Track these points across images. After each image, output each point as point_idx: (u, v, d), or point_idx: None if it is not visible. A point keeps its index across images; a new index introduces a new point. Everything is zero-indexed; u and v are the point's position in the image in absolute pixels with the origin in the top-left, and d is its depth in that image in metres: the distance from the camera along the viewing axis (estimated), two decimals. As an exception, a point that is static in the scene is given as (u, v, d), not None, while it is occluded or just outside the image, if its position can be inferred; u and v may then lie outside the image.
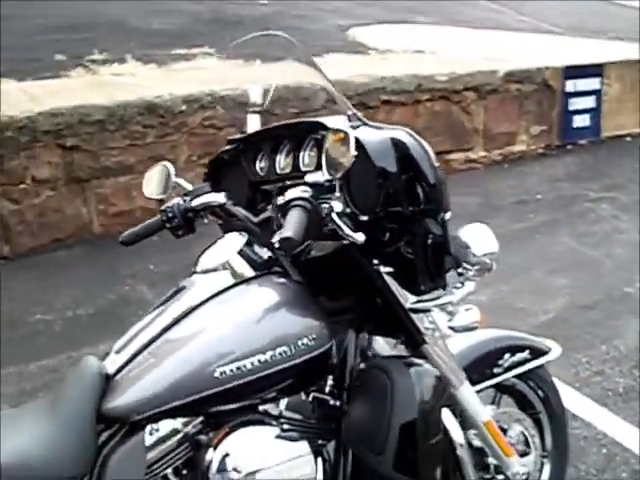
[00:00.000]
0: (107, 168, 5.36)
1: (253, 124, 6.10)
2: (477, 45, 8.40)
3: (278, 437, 1.89)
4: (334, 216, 1.80)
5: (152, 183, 2.28)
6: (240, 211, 2.14)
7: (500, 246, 1.84)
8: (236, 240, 2.03)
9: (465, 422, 2.23)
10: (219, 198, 2.19)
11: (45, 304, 4.48)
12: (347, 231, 1.79)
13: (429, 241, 1.87)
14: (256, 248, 2.03)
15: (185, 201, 2.21)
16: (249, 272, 1.99)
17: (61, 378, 1.92)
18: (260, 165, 2.22)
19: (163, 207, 2.23)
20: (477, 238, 2.08)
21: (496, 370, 2.37)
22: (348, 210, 1.87)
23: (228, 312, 1.88)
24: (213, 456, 1.83)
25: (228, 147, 2.31)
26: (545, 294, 4.37)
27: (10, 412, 1.90)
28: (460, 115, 6.55)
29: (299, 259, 2.03)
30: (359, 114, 1.96)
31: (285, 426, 1.91)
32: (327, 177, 1.79)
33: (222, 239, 2.07)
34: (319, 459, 2.02)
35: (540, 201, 5.91)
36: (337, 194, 1.84)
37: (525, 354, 2.41)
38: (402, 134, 1.86)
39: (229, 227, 2.14)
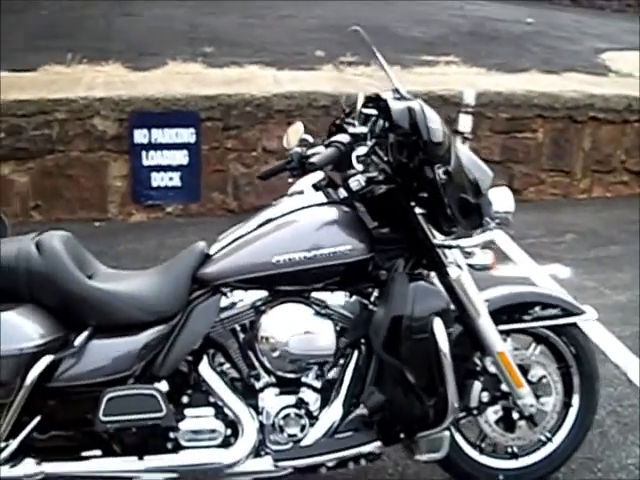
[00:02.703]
0: (326, 147, 6.20)
1: (464, 123, 6.81)
2: None
3: (312, 315, 2.57)
4: (353, 155, 2.46)
5: (288, 137, 3.03)
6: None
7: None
8: (314, 177, 2.73)
9: (483, 350, 2.78)
10: None
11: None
12: (354, 164, 2.45)
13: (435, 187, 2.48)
14: (340, 189, 2.72)
15: (302, 150, 2.94)
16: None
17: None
18: None
19: (287, 154, 2.99)
20: (499, 198, 2.64)
21: (525, 317, 2.85)
22: (384, 156, 2.51)
23: (295, 221, 2.61)
24: (262, 321, 2.56)
25: (341, 115, 2.97)
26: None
27: (140, 271, 2.75)
28: (670, 138, 6.72)
29: (365, 197, 2.68)
30: (401, 90, 2.58)
31: (324, 311, 2.59)
32: (358, 129, 2.48)
33: (308, 175, 2.78)
34: (356, 351, 2.67)
35: None
36: (368, 142, 2.50)
37: (556, 311, 2.87)
38: (415, 104, 2.47)
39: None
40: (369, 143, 2.51)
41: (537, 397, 2.86)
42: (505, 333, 2.83)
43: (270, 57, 7.77)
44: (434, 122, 2.46)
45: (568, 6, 13.33)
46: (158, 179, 6.10)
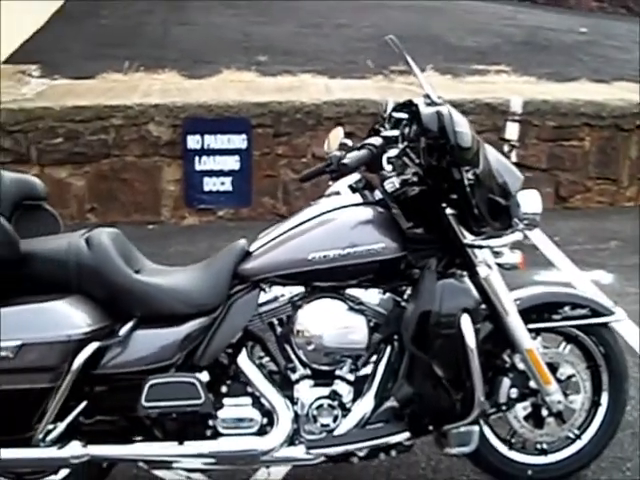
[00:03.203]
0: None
1: (511, 131, 6.88)
2: None
3: (346, 311, 2.69)
4: (383, 157, 2.58)
5: (329, 142, 3.15)
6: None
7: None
8: (350, 179, 2.85)
9: (513, 347, 2.86)
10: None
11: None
12: (384, 164, 2.58)
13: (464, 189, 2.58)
14: (375, 191, 2.84)
15: (342, 154, 3.06)
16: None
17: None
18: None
19: (326, 157, 3.11)
20: (527, 200, 2.73)
21: (554, 317, 2.93)
22: (416, 159, 2.62)
23: (331, 220, 2.74)
24: (298, 315, 2.68)
25: (379, 120, 3.08)
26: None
27: (184, 267, 2.89)
28: None
29: (399, 199, 2.78)
30: (432, 96, 2.68)
31: (358, 307, 2.70)
32: (389, 132, 2.60)
33: (345, 177, 2.89)
34: (389, 346, 2.78)
35: None
36: (399, 145, 2.62)
37: (585, 311, 2.94)
38: (444, 109, 2.58)
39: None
40: (400, 146, 2.64)
41: (566, 395, 2.93)
42: (535, 332, 2.91)
43: (323, 66, 7.88)
44: (461, 126, 2.57)
45: (623, 15, 13.25)
46: (210, 184, 6.28)
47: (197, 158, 6.22)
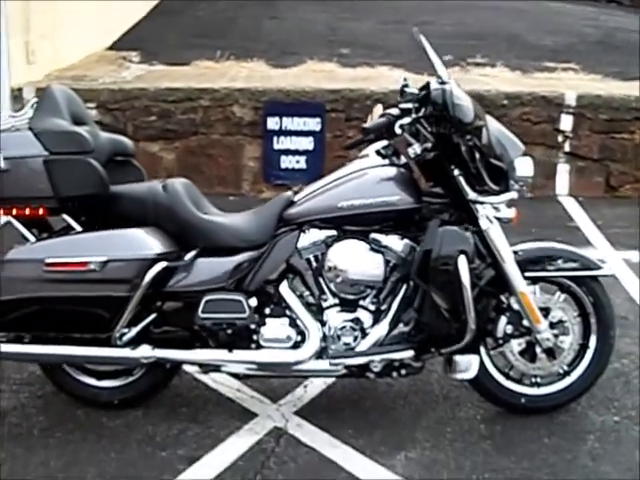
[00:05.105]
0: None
1: (565, 123, 7.34)
2: None
3: (368, 251, 3.28)
4: (397, 123, 3.16)
5: (372, 116, 3.72)
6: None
7: None
8: (378, 145, 3.44)
9: (509, 290, 3.40)
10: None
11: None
12: (397, 130, 3.16)
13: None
14: (402, 158, 3.42)
15: None
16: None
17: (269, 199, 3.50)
18: None
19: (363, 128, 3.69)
20: (522, 166, 3.27)
21: (548, 267, 3.45)
22: (429, 127, 3.19)
23: (360, 176, 3.34)
24: (329, 253, 3.29)
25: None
26: None
27: (240, 212, 3.52)
28: None
29: (420, 163, 3.36)
30: (443, 77, 3.25)
31: (378, 248, 3.29)
32: (404, 104, 3.18)
33: (375, 144, 3.47)
34: (404, 284, 3.36)
35: None
36: (413, 115, 3.19)
37: (576, 264, 3.44)
38: (448, 86, 3.14)
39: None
40: (413, 115, 3.22)
41: (556, 336, 3.44)
42: (532, 280, 3.42)
43: (401, 60, 8.36)
44: (461, 100, 3.14)
45: None
46: (286, 162, 6.92)
47: (275, 138, 6.86)
